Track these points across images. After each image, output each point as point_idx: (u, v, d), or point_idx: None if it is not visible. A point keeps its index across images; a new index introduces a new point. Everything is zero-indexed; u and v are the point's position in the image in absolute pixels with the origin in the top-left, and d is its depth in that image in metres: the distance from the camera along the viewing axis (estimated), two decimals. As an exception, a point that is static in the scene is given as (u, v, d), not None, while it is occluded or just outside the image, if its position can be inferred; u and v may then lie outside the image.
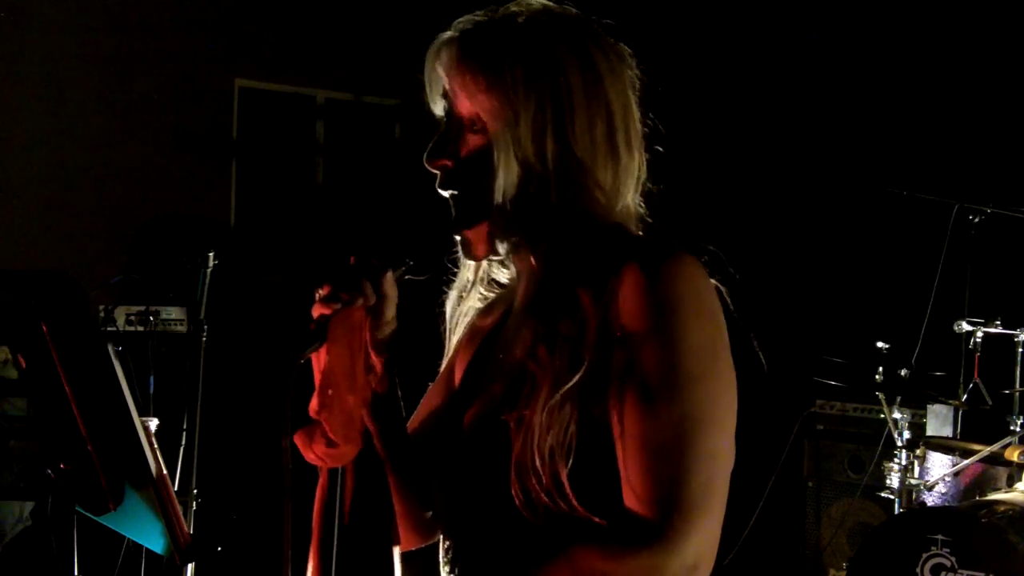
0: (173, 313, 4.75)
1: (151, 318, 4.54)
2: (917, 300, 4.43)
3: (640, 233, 1.38)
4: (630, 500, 1.20)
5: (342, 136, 6.73)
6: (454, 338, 1.52)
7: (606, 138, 1.31)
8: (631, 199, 1.37)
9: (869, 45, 5.93)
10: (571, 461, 1.21)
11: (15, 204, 5.50)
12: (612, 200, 1.33)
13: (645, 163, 1.38)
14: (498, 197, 1.31)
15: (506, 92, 1.29)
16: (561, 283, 1.28)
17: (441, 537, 1.43)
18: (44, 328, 1.59)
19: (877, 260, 5.78)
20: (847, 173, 5.76)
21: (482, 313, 1.50)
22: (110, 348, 1.65)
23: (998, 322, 4.05)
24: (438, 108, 1.37)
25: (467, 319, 1.51)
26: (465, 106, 1.33)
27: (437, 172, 1.36)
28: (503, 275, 1.48)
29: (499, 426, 1.27)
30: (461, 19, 1.34)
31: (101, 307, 4.35)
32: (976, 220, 4.26)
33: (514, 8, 1.35)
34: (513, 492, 1.23)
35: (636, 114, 1.36)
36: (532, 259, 1.34)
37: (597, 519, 1.22)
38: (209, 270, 3.70)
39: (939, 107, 5.61)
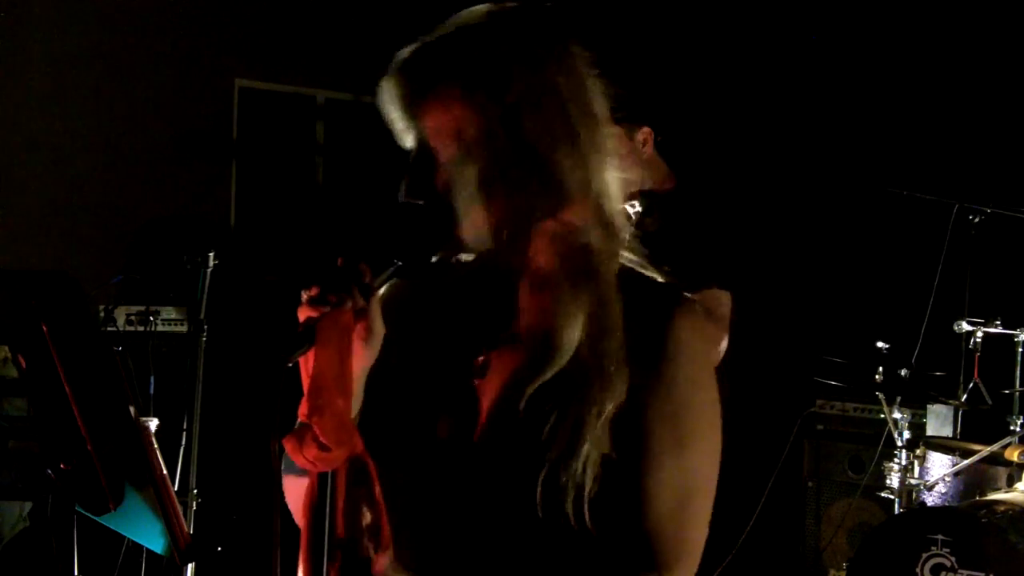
0: (173, 313, 4.75)
1: (151, 318, 4.54)
2: (917, 300, 4.42)
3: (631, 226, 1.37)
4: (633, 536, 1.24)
5: (342, 136, 6.72)
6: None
7: (561, 124, 1.31)
8: (608, 175, 1.35)
9: (869, 45, 5.92)
10: (597, 483, 1.24)
11: (15, 204, 5.49)
12: (580, 183, 1.32)
13: (614, 136, 1.37)
14: (463, 206, 1.31)
15: (447, 109, 1.32)
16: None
17: None
18: (44, 328, 1.59)
19: (877, 260, 5.78)
20: (847, 173, 5.76)
21: (411, 295, 1.44)
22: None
23: (998, 322, 4.05)
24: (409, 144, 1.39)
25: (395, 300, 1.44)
26: (422, 136, 1.36)
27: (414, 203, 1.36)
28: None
29: (532, 423, 1.26)
30: (397, 54, 1.35)
31: (101, 307, 4.35)
32: (976, 220, 4.26)
33: (447, 24, 1.35)
34: (538, 500, 1.23)
35: (593, 91, 1.34)
36: (529, 249, 1.32)
37: (603, 541, 1.24)
38: (209, 270, 3.71)
39: (939, 107, 5.61)
